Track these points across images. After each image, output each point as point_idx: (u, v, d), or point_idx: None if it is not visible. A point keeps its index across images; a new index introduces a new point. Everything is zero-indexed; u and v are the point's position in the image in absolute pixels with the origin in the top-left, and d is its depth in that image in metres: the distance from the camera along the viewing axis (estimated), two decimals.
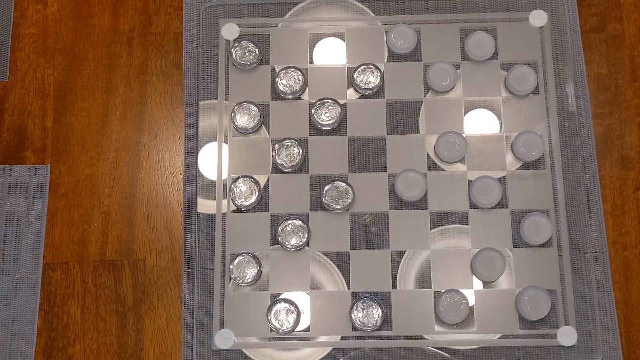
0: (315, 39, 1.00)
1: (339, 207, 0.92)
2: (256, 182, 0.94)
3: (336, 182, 0.93)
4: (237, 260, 0.91)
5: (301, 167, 0.95)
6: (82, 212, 0.96)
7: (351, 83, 0.98)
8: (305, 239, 0.92)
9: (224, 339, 0.90)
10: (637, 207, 0.95)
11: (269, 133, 0.97)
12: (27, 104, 0.99)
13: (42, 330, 0.92)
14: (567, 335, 0.90)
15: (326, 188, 0.93)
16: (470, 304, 0.90)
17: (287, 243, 0.91)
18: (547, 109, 0.97)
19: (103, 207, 0.96)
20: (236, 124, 0.96)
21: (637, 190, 0.96)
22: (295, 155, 0.94)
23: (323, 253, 0.93)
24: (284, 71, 0.97)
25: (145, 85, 1.00)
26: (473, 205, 0.93)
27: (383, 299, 0.91)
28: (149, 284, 0.93)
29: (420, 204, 0.94)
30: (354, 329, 0.90)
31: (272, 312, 0.90)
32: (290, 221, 0.92)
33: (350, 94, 0.98)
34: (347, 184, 0.93)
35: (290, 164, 0.94)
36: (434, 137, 0.96)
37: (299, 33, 1.00)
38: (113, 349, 0.91)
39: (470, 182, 0.94)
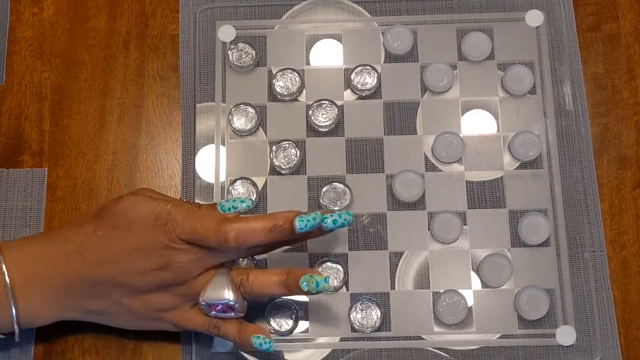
0: (311, 41, 1.00)
1: (337, 208, 0.92)
2: (254, 184, 0.94)
3: (334, 183, 0.93)
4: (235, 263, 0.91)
5: (299, 168, 0.95)
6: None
7: (348, 84, 0.98)
8: (342, 281, 0.91)
9: (223, 341, 0.90)
10: (634, 206, 0.95)
11: (266, 135, 0.97)
12: (24, 108, 0.99)
13: (40, 334, 0.92)
14: (566, 335, 0.90)
15: (324, 189, 0.93)
16: (469, 304, 0.90)
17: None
18: (544, 109, 0.97)
19: None
20: (233, 126, 0.96)
21: (634, 189, 0.96)
22: (292, 157, 0.94)
23: (321, 254, 0.92)
24: (280, 73, 0.97)
25: (142, 88, 1.00)
26: (470, 207, 0.94)
27: (382, 300, 0.91)
28: None
29: (418, 204, 0.94)
30: (353, 330, 0.90)
31: (271, 314, 0.90)
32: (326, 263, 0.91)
33: (347, 95, 0.98)
34: (345, 185, 0.93)
35: (287, 166, 0.94)
36: (431, 138, 0.96)
37: (295, 35, 1.00)
38: (112, 352, 0.91)
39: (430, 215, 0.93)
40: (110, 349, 0.91)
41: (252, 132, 0.96)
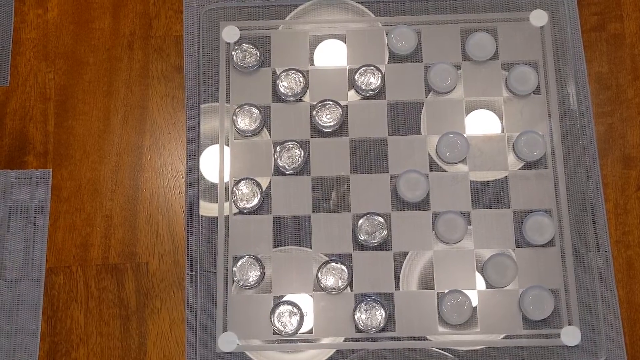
0: (315, 41, 1.00)
1: (374, 241, 0.92)
2: (258, 185, 0.94)
3: (371, 215, 0.92)
4: (239, 263, 0.91)
5: (303, 169, 0.95)
6: (84, 216, 0.96)
7: (352, 84, 0.98)
8: (346, 281, 0.91)
9: (227, 342, 0.90)
10: (639, 205, 0.95)
11: (270, 135, 0.97)
12: (29, 109, 1.00)
13: (45, 334, 0.92)
14: (570, 335, 0.90)
15: (360, 222, 0.92)
16: (474, 305, 0.90)
17: (324, 282, 0.91)
18: (548, 109, 0.97)
19: (105, 210, 0.96)
20: (237, 126, 0.96)
21: (639, 189, 0.96)
22: (296, 157, 0.94)
23: (325, 255, 0.92)
24: (284, 73, 0.97)
25: (147, 88, 1.00)
26: (474, 207, 0.94)
27: (386, 300, 0.91)
28: (152, 288, 0.93)
29: (422, 204, 0.94)
30: (357, 330, 0.90)
31: (276, 314, 0.90)
32: (330, 264, 0.91)
33: (351, 95, 0.98)
34: (383, 217, 0.92)
35: (291, 166, 0.94)
36: (435, 138, 0.96)
37: (299, 35, 1.00)
38: (116, 352, 0.91)
39: (435, 215, 0.93)
40: (115, 349, 0.91)
41: (256, 132, 0.96)
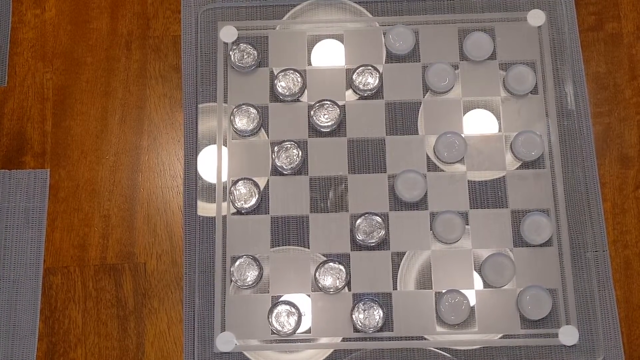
0: (313, 41, 1.00)
1: (372, 241, 0.92)
2: (256, 185, 0.94)
3: (369, 215, 0.92)
4: (237, 263, 0.91)
5: (301, 169, 0.95)
6: (82, 216, 0.96)
7: (350, 84, 0.98)
8: (344, 281, 0.91)
9: (225, 342, 0.90)
10: (637, 205, 0.95)
11: (268, 135, 0.97)
12: (26, 109, 0.99)
13: (43, 335, 0.92)
14: (568, 335, 0.90)
15: (357, 222, 0.92)
16: (471, 304, 0.90)
17: (322, 282, 0.91)
18: (546, 109, 0.97)
19: (103, 211, 0.96)
20: (235, 126, 0.96)
21: (637, 188, 0.96)
22: (294, 157, 0.94)
23: (323, 254, 0.92)
24: (282, 73, 0.97)
25: (144, 88, 1.00)
26: (472, 207, 0.94)
27: (384, 300, 0.91)
28: (150, 288, 0.93)
29: (420, 204, 0.94)
30: (355, 330, 0.90)
31: (273, 314, 0.90)
32: (328, 263, 0.91)
33: (349, 95, 0.98)
34: (381, 217, 0.92)
35: (289, 166, 0.94)
36: (433, 138, 0.96)
37: (297, 35, 1.00)
38: (114, 353, 0.91)
39: (432, 215, 0.93)
40: (112, 349, 0.91)
41: (254, 132, 0.96)
